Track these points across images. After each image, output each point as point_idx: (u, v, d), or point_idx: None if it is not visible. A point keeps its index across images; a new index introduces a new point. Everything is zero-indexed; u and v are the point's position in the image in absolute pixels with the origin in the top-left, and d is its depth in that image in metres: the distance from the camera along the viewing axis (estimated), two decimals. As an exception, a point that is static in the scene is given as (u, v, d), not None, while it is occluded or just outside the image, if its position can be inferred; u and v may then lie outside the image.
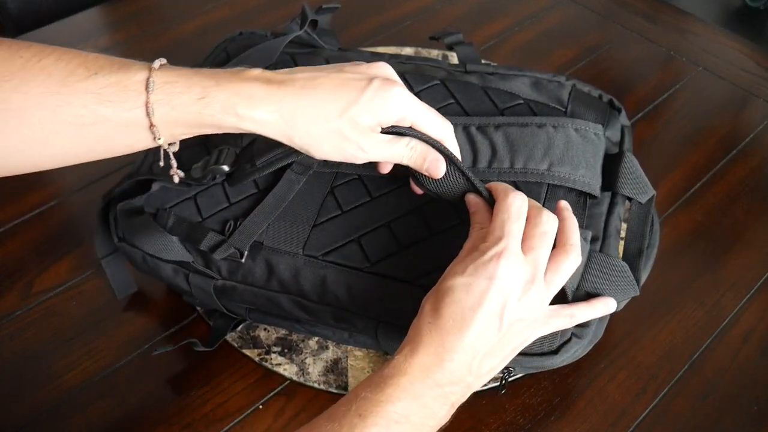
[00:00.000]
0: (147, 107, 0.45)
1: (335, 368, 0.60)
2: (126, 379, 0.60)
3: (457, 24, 0.95)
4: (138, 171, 0.59)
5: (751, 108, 0.84)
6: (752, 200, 0.73)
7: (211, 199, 0.58)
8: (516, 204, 0.47)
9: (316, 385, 0.59)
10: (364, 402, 0.43)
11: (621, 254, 0.57)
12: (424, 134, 0.49)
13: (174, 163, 0.52)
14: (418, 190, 0.53)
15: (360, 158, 0.49)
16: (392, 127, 0.49)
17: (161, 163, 0.52)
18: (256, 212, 0.56)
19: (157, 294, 0.65)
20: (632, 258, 0.56)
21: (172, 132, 0.47)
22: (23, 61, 0.44)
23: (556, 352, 0.52)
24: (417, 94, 0.61)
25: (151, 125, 0.45)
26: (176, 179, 0.54)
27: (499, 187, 0.50)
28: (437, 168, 0.50)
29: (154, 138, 0.46)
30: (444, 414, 0.45)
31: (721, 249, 0.69)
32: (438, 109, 0.60)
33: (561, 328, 0.50)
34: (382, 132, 0.48)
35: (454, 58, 0.85)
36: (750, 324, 0.63)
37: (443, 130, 0.50)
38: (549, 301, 0.48)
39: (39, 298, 0.65)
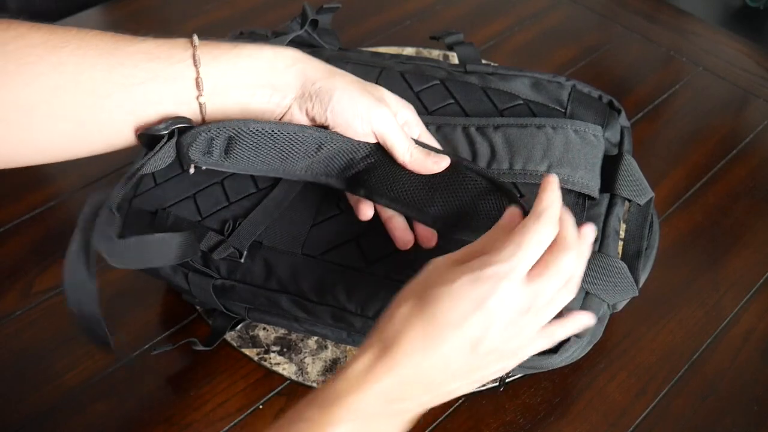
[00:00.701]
0: (194, 58, 0.47)
1: (334, 368, 0.60)
2: (126, 379, 0.60)
3: (457, 24, 0.95)
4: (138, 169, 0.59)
5: (751, 108, 0.84)
6: (752, 200, 0.73)
7: (211, 198, 0.58)
8: (547, 229, 0.42)
9: (315, 384, 0.59)
10: (307, 425, 0.39)
11: (620, 255, 0.57)
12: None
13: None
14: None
15: (380, 115, 0.50)
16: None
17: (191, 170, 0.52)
18: (255, 212, 0.56)
19: (157, 294, 0.65)
20: (631, 259, 0.56)
21: (213, 84, 0.48)
22: (76, 31, 0.46)
23: (555, 351, 0.52)
24: (417, 94, 0.61)
25: (198, 76, 0.48)
26: (192, 171, 0.54)
27: (546, 197, 0.43)
28: (440, 162, 0.51)
29: (199, 94, 0.48)
30: None
31: (721, 249, 0.69)
32: (437, 110, 0.60)
33: (539, 351, 0.45)
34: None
35: (454, 58, 0.85)
36: (750, 324, 0.63)
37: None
38: (535, 333, 0.43)
39: (39, 298, 0.65)
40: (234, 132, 0.49)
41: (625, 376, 0.60)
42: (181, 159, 0.51)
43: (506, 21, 0.96)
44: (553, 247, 0.42)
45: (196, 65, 0.47)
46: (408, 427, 0.42)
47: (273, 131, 0.50)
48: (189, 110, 0.49)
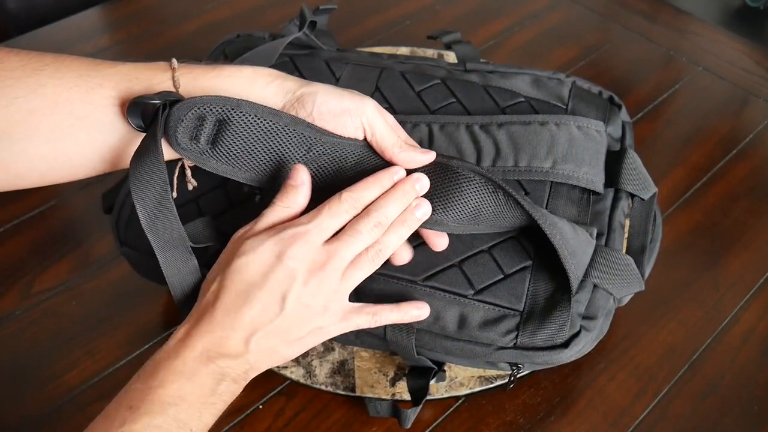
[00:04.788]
0: (173, 80, 0.48)
1: (342, 370, 0.60)
2: (126, 379, 0.60)
3: (457, 24, 0.95)
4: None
5: (751, 108, 0.84)
6: (752, 200, 0.73)
7: (214, 202, 0.58)
8: (343, 205, 0.47)
9: (323, 387, 0.59)
10: (135, 393, 0.42)
11: (624, 250, 0.57)
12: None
13: (189, 172, 0.52)
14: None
15: (369, 107, 0.50)
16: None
17: (174, 194, 0.51)
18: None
19: (158, 294, 0.65)
20: (636, 254, 0.56)
21: None
22: (54, 55, 0.47)
23: (565, 346, 0.51)
24: (418, 94, 0.61)
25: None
26: (190, 187, 0.53)
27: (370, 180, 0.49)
28: (427, 155, 0.50)
29: None
30: (225, 389, 0.44)
31: (721, 249, 0.69)
32: (439, 109, 0.60)
33: (364, 327, 0.49)
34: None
35: (450, 57, 0.85)
36: (750, 324, 0.63)
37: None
38: (345, 295, 0.47)
39: (39, 298, 0.65)
40: (225, 113, 0.48)
41: (625, 376, 0.60)
42: (169, 140, 0.49)
43: (506, 21, 0.96)
44: (356, 219, 0.47)
45: (175, 86, 0.48)
46: (238, 385, 0.45)
47: (264, 124, 0.49)
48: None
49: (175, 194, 0.50)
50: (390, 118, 0.53)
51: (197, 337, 0.43)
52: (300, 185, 0.48)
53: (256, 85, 0.50)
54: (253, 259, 0.45)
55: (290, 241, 0.45)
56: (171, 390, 0.42)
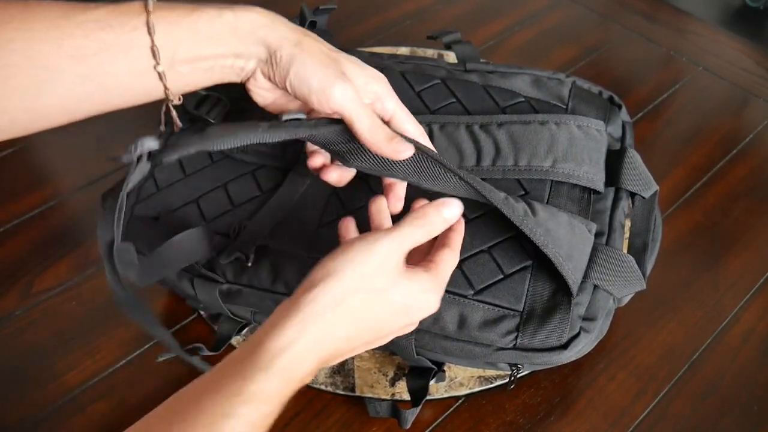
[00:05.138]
0: (148, 25, 0.45)
1: (342, 370, 0.60)
2: (126, 379, 0.60)
3: (457, 24, 0.95)
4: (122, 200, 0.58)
5: (751, 108, 0.84)
6: (752, 200, 0.73)
7: (215, 202, 0.58)
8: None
9: (323, 387, 0.59)
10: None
11: (626, 250, 0.57)
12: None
13: (174, 113, 0.50)
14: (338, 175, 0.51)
15: (337, 91, 0.46)
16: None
17: (162, 127, 0.50)
18: (260, 215, 0.56)
19: (158, 294, 0.65)
20: (637, 253, 0.56)
21: (172, 54, 0.46)
22: (23, 4, 0.44)
23: (565, 347, 0.51)
24: (418, 94, 0.61)
25: (153, 45, 0.45)
26: (176, 129, 0.52)
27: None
28: (405, 146, 0.46)
29: (156, 63, 0.46)
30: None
31: (721, 249, 0.69)
32: (439, 108, 0.60)
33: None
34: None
35: (450, 57, 0.85)
36: (750, 324, 0.63)
37: (421, 131, 0.50)
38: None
39: (39, 298, 0.65)
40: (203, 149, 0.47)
41: (625, 376, 0.60)
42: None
43: (506, 21, 0.96)
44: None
45: (150, 33, 0.45)
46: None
47: (243, 141, 0.47)
48: (148, 80, 0.47)
49: (162, 128, 0.50)
50: (377, 87, 0.49)
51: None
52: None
53: (239, 33, 0.47)
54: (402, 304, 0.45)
55: (437, 301, 0.47)
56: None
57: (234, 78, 0.49)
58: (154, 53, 0.45)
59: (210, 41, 0.47)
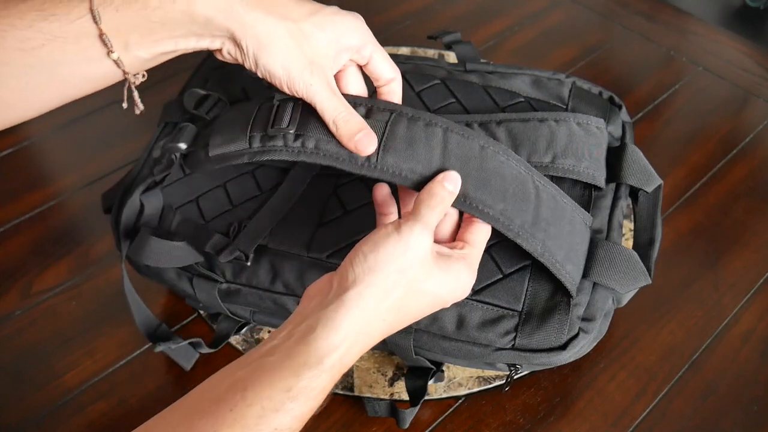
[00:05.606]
0: (92, 12, 0.43)
1: (337, 369, 0.60)
2: (126, 379, 0.60)
3: (457, 24, 0.95)
4: (138, 175, 0.59)
5: (751, 108, 0.84)
6: (752, 200, 0.73)
7: (214, 202, 0.58)
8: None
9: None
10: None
11: (631, 247, 0.57)
12: (384, 101, 0.49)
13: (136, 94, 0.49)
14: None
15: (301, 83, 0.46)
16: (348, 95, 0.49)
17: (124, 105, 0.49)
18: (260, 214, 0.56)
19: (158, 294, 0.65)
20: (644, 248, 0.56)
21: (125, 40, 0.44)
22: None
23: (563, 347, 0.51)
24: (418, 94, 0.61)
25: (101, 33, 0.43)
26: (137, 111, 0.51)
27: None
28: (366, 144, 0.46)
29: (108, 51, 0.44)
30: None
31: (721, 249, 0.69)
32: (439, 108, 0.60)
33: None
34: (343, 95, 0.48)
35: (450, 57, 0.85)
36: (750, 324, 0.63)
37: (396, 71, 0.51)
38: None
39: (39, 298, 0.65)
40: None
41: (625, 376, 0.60)
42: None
43: (506, 21, 0.96)
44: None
45: (96, 22, 0.43)
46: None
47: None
48: (104, 66, 0.45)
49: (125, 105, 0.49)
50: (352, 39, 0.49)
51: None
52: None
53: (195, 18, 0.44)
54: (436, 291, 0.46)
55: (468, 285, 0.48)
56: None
57: (201, 50, 0.48)
58: (105, 41, 0.44)
59: (164, 27, 0.45)
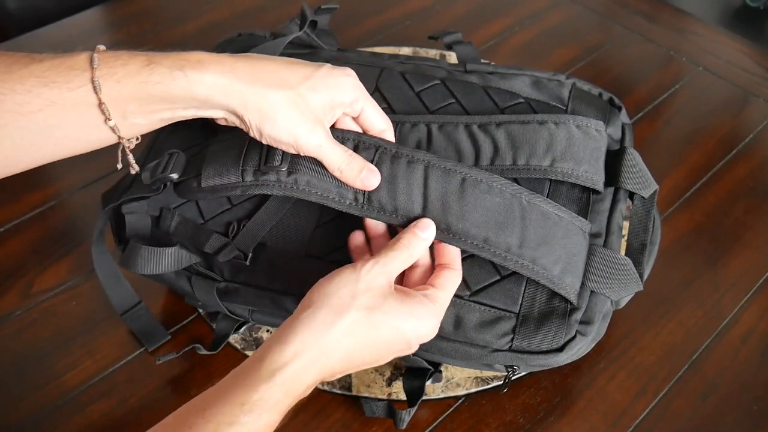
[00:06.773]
0: (93, 83, 0.44)
1: (336, 368, 0.60)
2: (126, 379, 0.60)
3: (457, 24, 0.95)
4: (133, 183, 0.59)
5: (751, 108, 0.84)
6: (752, 200, 0.73)
7: (213, 201, 0.58)
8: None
9: (319, 386, 0.59)
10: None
11: (624, 252, 0.57)
12: (374, 138, 0.52)
13: (131, 156, 0.51)
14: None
15: (306, 142, 0.48)
16: (338, 130, 0.52)
17: (119, 165, 0.51)
18: (259, 214, 0.56)
19: (158, 294, 0.65)
20: (635, 253, 0.56)
21: (123, 110, 0.45)
22: None
23: (560, 349, 0.51)
24: (417, 94, 0.61)
25: (100, 103, 0.44)
26: (132, 172, 0.53)
27: (449, 252, 0.51)
28: (371, 180, 0.50)
29: (106, 119, 0.45)
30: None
31: (721, 249, 0.69)
32: (438, 109, 0.60)
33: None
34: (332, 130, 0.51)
35: (452, 57, 0.85)
36: (750, 324, 0.63)
37: (387, 122, 0.53)
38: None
39: (39, 298, 0.65)
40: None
41: (625, 376, 0.60)
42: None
43: (506, 21, 0.96)
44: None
45: (96, 92, 0.44)
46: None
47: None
48: (100, 132, 0.46)
49: (119, 166, 0.51)
50: (345, 96, 0.51)
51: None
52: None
53: (196, 97, 0.46)
54: (401, 329, 0.47)
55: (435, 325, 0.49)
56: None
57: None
58: (103, 110, 0.45)
59: (164, 100, 0.46)
